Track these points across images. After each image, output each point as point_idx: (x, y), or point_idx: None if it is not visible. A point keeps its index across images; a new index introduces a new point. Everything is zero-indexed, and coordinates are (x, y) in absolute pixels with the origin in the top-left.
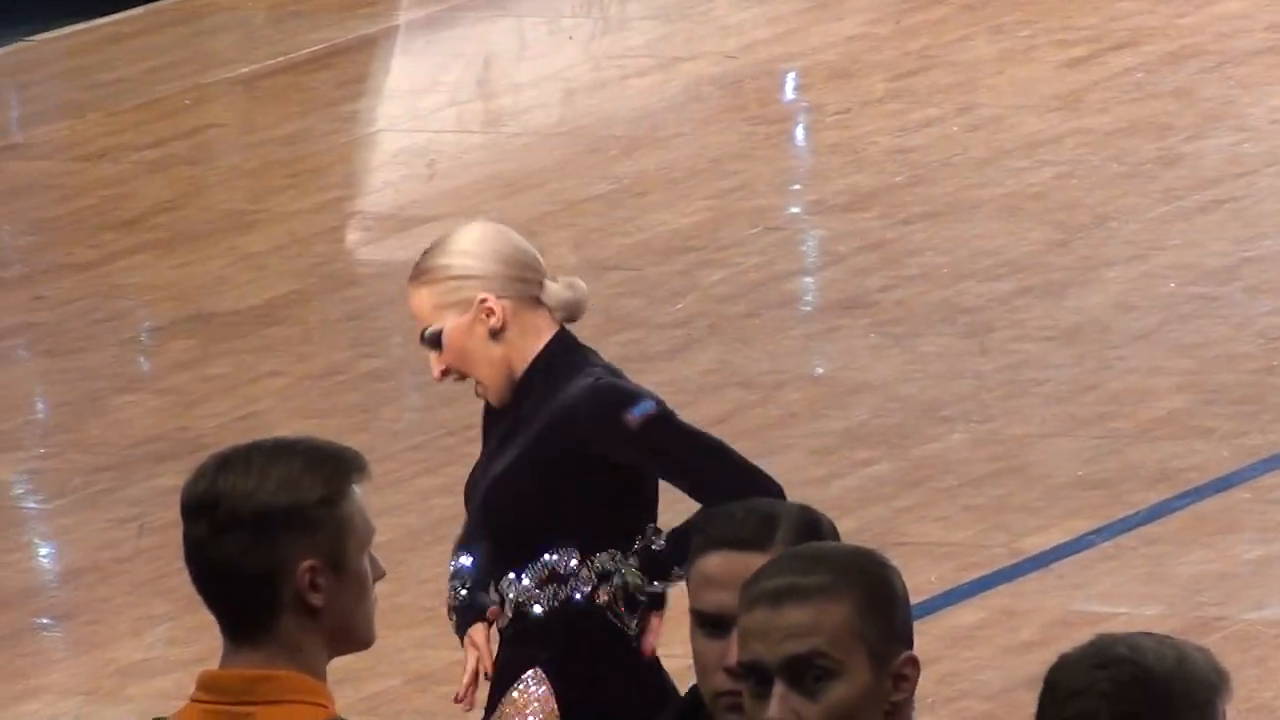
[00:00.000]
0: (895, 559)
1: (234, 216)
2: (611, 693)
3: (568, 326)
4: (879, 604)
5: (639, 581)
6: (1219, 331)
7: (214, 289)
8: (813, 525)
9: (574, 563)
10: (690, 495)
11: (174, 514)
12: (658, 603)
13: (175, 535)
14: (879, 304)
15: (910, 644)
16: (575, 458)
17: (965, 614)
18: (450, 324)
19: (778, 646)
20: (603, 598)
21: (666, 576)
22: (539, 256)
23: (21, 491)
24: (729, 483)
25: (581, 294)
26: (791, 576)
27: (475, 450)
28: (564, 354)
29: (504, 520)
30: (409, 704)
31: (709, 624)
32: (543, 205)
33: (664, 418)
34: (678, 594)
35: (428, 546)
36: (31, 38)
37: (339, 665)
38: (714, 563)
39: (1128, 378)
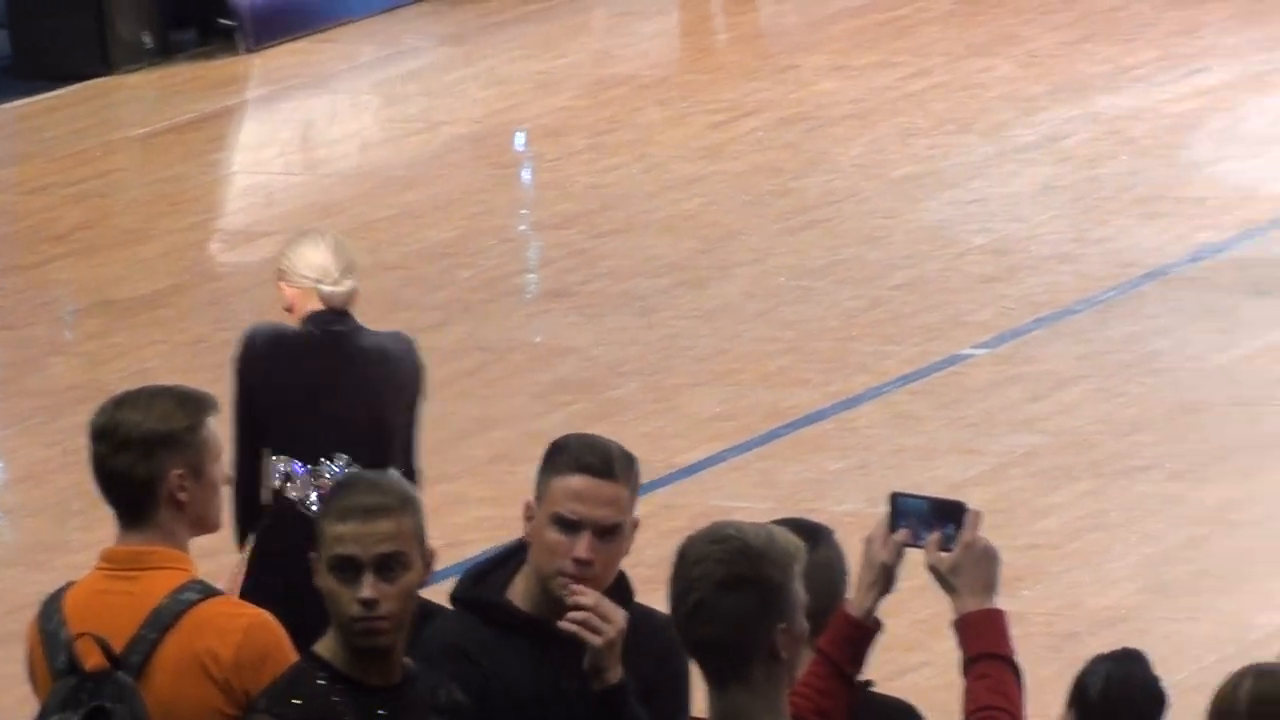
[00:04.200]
0: None
1: (132, 233)
2: None
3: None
4: (420, 513)
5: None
6: (814, 312)
7: (117, 283)
8: (631, 459)
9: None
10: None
11: (87, 440)
12: None
13: (89, 455)
14: (579, 293)
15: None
16: None
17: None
18: None
19: (372, 548)
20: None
21: None
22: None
23: None
24: None
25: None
26: (376, 497)
27: None
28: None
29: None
30: None
31: (566, 525)
32: (346, 225)
33: None
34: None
35: None
36: None
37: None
38: (577, 482)
39: (750, 344)
